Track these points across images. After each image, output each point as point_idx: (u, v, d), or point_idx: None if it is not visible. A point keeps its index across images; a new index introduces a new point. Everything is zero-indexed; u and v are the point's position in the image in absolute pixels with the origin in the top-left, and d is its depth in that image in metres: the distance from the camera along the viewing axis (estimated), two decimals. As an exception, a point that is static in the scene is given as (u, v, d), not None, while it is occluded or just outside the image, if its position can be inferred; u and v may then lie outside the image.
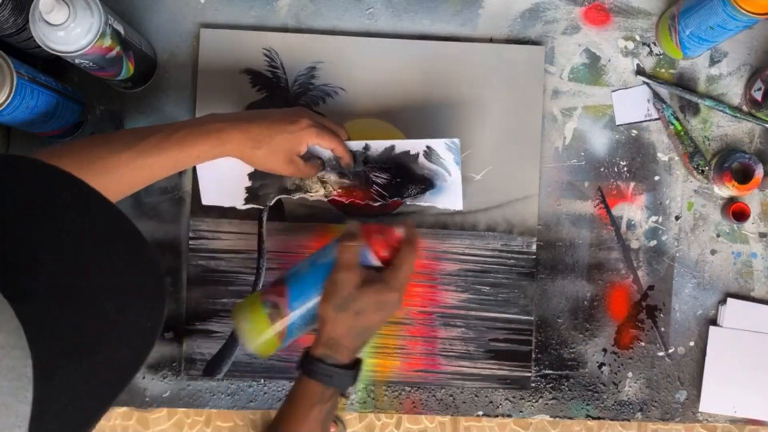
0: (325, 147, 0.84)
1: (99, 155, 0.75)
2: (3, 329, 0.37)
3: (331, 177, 0.89)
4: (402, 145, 0.88)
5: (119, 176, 0.75)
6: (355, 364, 0.78)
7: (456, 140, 0.86)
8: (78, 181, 0.45)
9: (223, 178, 0.89)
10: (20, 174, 0.44)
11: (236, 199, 0.91)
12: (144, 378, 0.94)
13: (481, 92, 0.95)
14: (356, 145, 0.87)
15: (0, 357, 0.37)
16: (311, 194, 0.90)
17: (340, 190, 0.90)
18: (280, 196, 0.90)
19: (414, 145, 0.88)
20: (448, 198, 0.90)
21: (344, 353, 0.76)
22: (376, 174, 0.89)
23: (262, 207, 0.90)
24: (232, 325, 0.79)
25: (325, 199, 0.91)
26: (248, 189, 0.90)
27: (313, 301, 0.78)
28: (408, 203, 0.92)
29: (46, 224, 0.42)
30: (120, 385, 0.43)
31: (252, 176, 0.89)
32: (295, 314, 0.78)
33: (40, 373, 0.38)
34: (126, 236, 0.46)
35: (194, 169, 0.92)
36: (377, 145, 0.88)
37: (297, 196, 0.90)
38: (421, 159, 0.88)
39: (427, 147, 0.87)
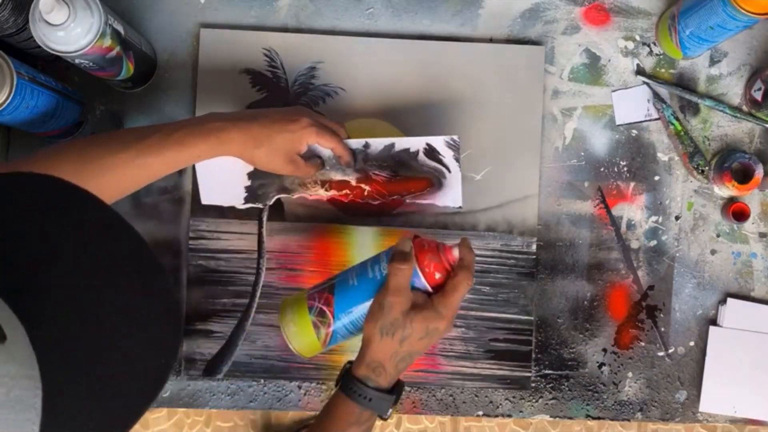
0: (325, 146, 0.84)
1: (98, 155, 0.75)
2: (16, 359, 0.36)
3: (331, 176, 0.89)
4: (402, 142, 0.88)
5: (118, 176, 0.75)
6: (395, 388, 0.76)
7: (456, 137, 0.87)
8: (99, 203, 0.44)
9: (222, 178, 0.89)
10: (38, 192, 0.43)
11: (236, 199, 0.91)
12: (144, 378, 0.94)
13: (481, 92, 0.95)
14: (356, 143, 0.87)
15: (9, 388, 0.35)
16: (311, 193, 0.90)
17: (339, 189, 0.90)
18: (279, 196, 0.90)
19: (414, 143, 0.88)
20: (448, 195, 0.90)
21: (386, 377, 0.74)
22: (376, 172, 0.89)
23: (261, 206, 0.90)
24: (278, 321, 0.79)
25: (325, 198, 0.91)
26: (248, 188, 0.90)
27: (358, 314, 0.76)
28: (408, 201, 0.92)
29: (63, 246, 0.41)
30: (129, 419, 0.42)
31: (251, 176, 0.89)
32: (339, 324, 0.77)
33: (47, 403, 0.37)
34: (146, 265, 0.44)
35: (194, 168, 0.92)
36: (377, 143, 0.88)
37: (297, 195, 0.90)
38: (421, 156, 0.88)
39: (427, 144, 0.87)
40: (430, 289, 0.75)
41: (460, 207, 0.91)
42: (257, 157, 0.80)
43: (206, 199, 0.91)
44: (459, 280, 0.73)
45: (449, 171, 0.88)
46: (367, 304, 0.75)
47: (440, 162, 0.88)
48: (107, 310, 0.41)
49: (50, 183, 0.44)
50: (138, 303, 0.43)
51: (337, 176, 0.89)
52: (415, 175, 0.89)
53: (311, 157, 0.86)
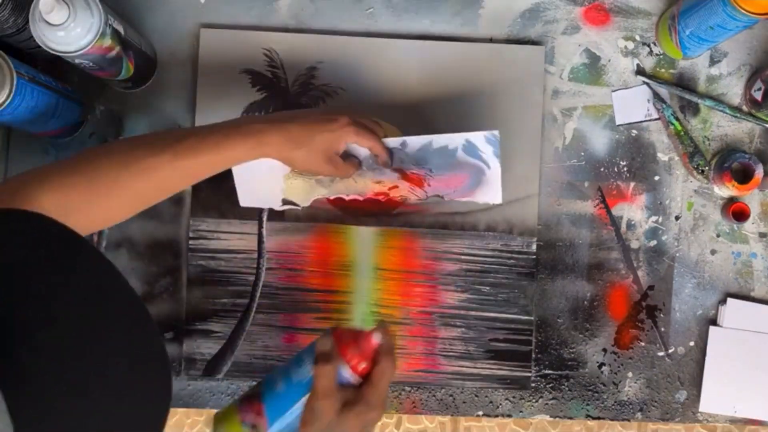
0: (363, 145, 0.83)
1: (138, 157, 0.74)
2: None
3: (368, 175, 0.88)
4: (440, 140, 0.85)
5: (157, 179, 0.75)
6: None
7: (496, 132, 0.84)
8: (94, 253, 0.41)
9: (259, 180, 0.88)
10: (24, 234, 0.40)
11: (273, 201, 0.90)
12: (144, 378, 0.94)
13: (481, 92, 0.95)
14: (393, 142, 0.85)
15: None
16: (348, 193, 0.89)
17: (376, 189, 0.89)
18: (317, 196, 0.89)
19: (452, 140, 0.85)
20: (488, 192, 0.88)
21: None
22: (413, 171, 0.87)
23: (299, 207, 0.90)
24: None
25: (361, 198, 0.90)
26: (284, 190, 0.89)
27: (291, 418, 0.75)
28: (446, 200, 0.90)
29: (50, 301, 0.38)
30: None
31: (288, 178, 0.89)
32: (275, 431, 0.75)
33: None
34: (140, 330, 0.41)
35: (230, 171, 0.91)
36: (414, 142, 0.85)
37: (333, 195, 0.89)
38: (460, 153, 0.86)
39: (466, 141, 0.85)
40: (357, 380, 0.74)
41: (500, 203, 0.89)
42: (297, 159, 0.80)
43: (244, 201, 0.90)
44: (383, 367, 0.73)
45: (488, 167, 0.86)
46: (299, 406, 0.74)
47: (479, 158, 0.86)
48: (94, 378, 0.38)
49: (40, 225, 0.40)
50: (128, 374, 0.40)
51: (374, 176, 0.88)
52: (453, 171, 0.87)
53: (348, 156, 0.84)
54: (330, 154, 0.81)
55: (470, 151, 0.85)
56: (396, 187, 0.89)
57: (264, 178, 0.88)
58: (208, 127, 0.78)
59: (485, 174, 0.87)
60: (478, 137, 0.85)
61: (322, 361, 0.72)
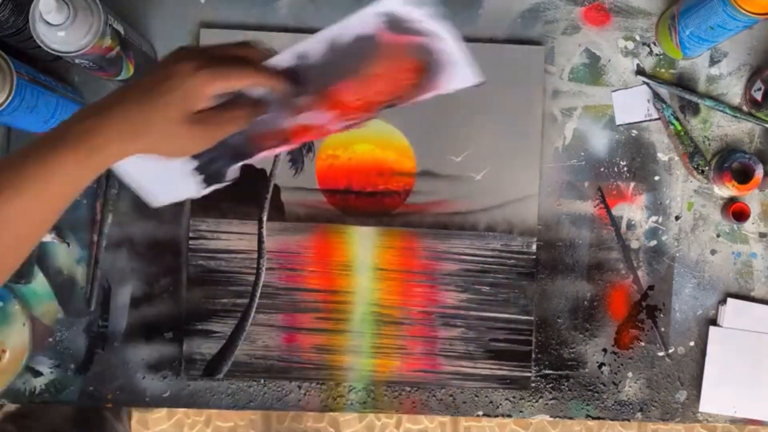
0: (237, 87, 0.61)
1: None
2: None
3: (284, 114, 0.66)
4: (347, 30, 0.63)
5: None
6: None
7: None
8: None
9: (163, 171, 0.68)
10: None
11: (193, 188, 0.71)
12: (144, 378, 0.94)
13: (481, 92, 0.94)
14: (284, 60, 0.63)
15: None
16: (271, 147, 0.67)
17: (304, 132, 0.67)
18: (242, 162, 0.69)
19: (363, 21, 0.62)
20: (456, 74, 0.65)
21: None
22: (337, 85, 0.65)
23: (224, 184, 0.71)
24: None
25: (294, 146, 0.69)
26: (199, 169, 0.70)
27: None
28: (408, 105, 0.67)
29: None
30: None
31: (195, 155, 0.67)
32: None
33: None
34: None
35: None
36: (314, 46, 0.64)
37: (260, 156, 0.68)
38: (384, 35, 0.63)
39: (381, 14, 0.61)
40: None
41: (482, 81, 0.66)
42: (148, 150, 0.59)
43: (158, 200, 0.72)
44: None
45: (437, 39, 0.62)
46: None
47: (415, 32, 0.62)
48: None
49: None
50: None
51: (290, 111, 0.65)
52: (389, 63, 0.64)
53: (239, 98, 0.62)
54: (191, 117, 0.58)
55: (397, 27, 0.62)
56: (330, 115, 0.66)
57: (168, 168, 0.67)
58: (25, 148, 0.55)
59: (437, 50, 0.63)
60: (392, 3, 0.61)
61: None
